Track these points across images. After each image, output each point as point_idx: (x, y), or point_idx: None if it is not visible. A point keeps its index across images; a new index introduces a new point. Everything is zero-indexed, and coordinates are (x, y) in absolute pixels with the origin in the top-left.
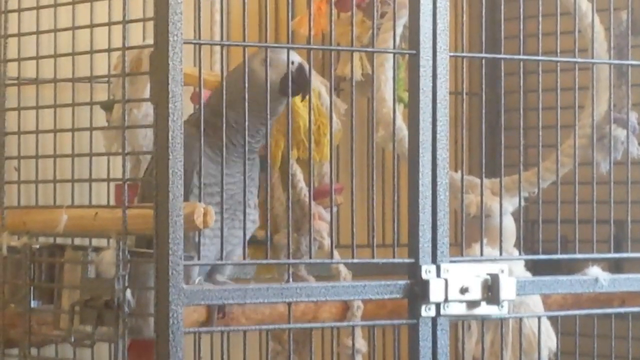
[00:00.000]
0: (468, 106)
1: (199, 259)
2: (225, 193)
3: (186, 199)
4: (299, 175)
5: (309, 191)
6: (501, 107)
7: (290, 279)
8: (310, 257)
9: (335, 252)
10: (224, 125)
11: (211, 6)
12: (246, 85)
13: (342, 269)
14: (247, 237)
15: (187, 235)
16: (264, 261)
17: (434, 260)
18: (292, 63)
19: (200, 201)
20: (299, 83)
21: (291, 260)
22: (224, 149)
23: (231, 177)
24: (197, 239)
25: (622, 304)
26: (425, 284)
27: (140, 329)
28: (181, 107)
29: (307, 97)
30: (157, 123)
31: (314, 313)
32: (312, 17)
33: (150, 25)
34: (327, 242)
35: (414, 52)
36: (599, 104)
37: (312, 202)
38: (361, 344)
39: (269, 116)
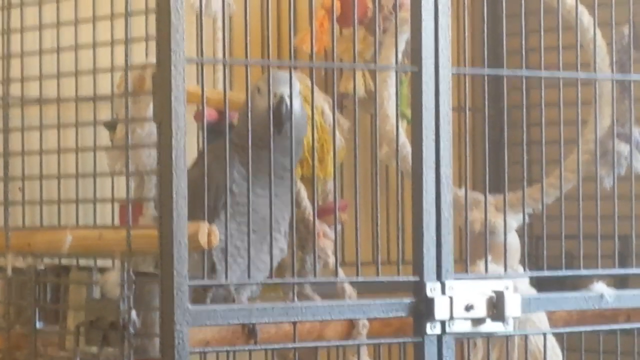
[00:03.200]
0: (471, 122)
1: (226, 278)
2: (255, 214)
3: (216, 216)
4: (303, 193)
5: (313, 209)
6: (504, 123)
7: (296, 298)
8: (315, 275)
9: (340, 271)
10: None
11: (213, 24)
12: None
13: (347, 287)
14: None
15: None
16: (269, 280)
17: (439, 277)
18: (274, 95)
19: (227, 220)
20: (276, 117)
21: (296, 280)
22: (250, 165)
23: (264, 197)
24: (221, 259)
25: (627, 320)
26: (430, 302)
27: (145, 349)
28: (184, 125)
29: (311, 115)
30: (160, 142)
31: (320, 332)
32: (314, 33)
33: (152, 44)
34: (332, 260)
35: (416, 68)
36: (602, 119)
37: (317, 220)
38: None
39: (272, 146)
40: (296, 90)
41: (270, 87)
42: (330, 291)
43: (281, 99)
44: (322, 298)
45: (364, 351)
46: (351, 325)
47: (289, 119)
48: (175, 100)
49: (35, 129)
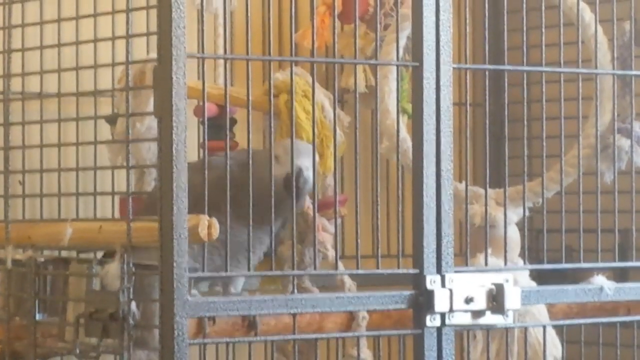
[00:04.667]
0: (472, 117)
1: (203, 270)
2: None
3: None
4: None
5: (314, 203)
6: (505, 118)
7: (295, 290)
8: (315, 268)
9: (340, 263)
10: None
11: (214, 20)
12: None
13: (347, 280)
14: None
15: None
16: (269, 273)
17: (439, 270)
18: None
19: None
20: (291, 186)
21: (295, 272)
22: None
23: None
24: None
25: (627, 313)
26: (430, 294)
27: (145, 340)
28: (185, 120)
29: (312, 110)
30: (161, 136)
31: (319, 324)
32: (315, 29)
33: (153, 39)
34: (330, 253)
35: (417, 64)
36: (603, 114)
37: (316, 214)
38: (366, 354)
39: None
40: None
41: (295, 159)
42: (330, 284)
43: (300, 171)
44: (322, 291)
45: (364, 343)
46: (351, 317)
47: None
48: (176, 95)
49: (36, 123)
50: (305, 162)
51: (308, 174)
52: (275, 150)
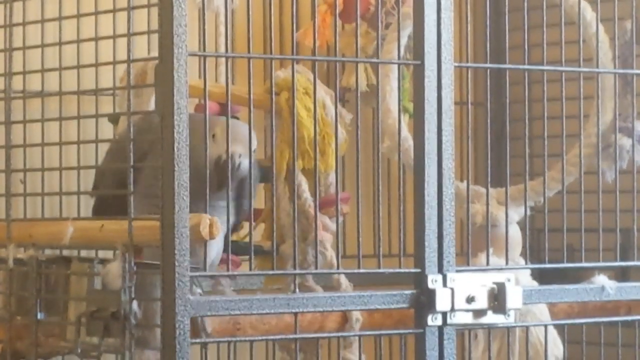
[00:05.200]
0: (473, 116)
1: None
2: None
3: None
4: (304, 186)
5: (315, 201)
6: (506, 117)
7: (297, 290)
8: (317, 267)
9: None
10: None
11: (216, 18)
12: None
13: (343, 280)
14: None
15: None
16: (270, 272)
17: (440, 269)
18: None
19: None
20: (220, 174)
21: (297, 271)
22: None
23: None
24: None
25: (628, 312)
26: (432, 294)
27: (146, 340)
28: (187, 119)
29: (313, 108)
30: (162, 135)
31: (321, 323)
32: (316, 28)
33: (155, 37)
34: (329, 253)
35: (418, 62)
36: (604, 113)
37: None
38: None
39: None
40: (253, 147)
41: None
42: (327, 284)
43: (224, 162)
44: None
45: (356, 346)
46: (345, 319)
47: (234, 179)
48: (178, 94)
49: (37, 121)
50: (239, 149)
51: (242, 161)
52: (214, 129)
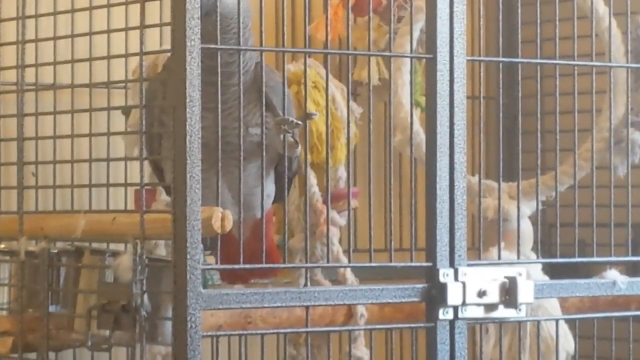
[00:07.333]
0: (485, 110)
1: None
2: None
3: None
4: (312, 180)
5: (327, 196)
6: (518, 111)
7: (308, 283)
8: (328, 261)
9: (343, 257)
10: None
11: None
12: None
13: (349, 275)
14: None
15: None
16: (281, 265)
17: (452, 263)
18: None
19: None
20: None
21: (308, 264)
22: None
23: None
24: None
25: None
26: (443, 288)
27: (157, 332)
28: (199, 111)
29: (323, 102)
30: (174, 127)
31: (332, 317)
32: (329, 21)
33: (167, 30)
34: (336, 247)
35: (431, 56)
36: (616, 108)
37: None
38: (364, 352)
39: None
40: None
41: None
42: (333, 278)
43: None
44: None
45: (361, 341)
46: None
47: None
48: (190, 86)
49: (49, 114)
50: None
51: None
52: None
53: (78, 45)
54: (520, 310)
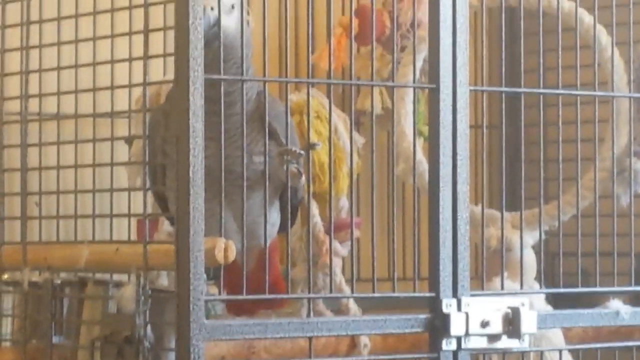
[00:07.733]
0: (488, 139)
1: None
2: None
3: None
4: (315, 210)
5: (330, 226)
6: (521, 140)
7: (312, 314)
8: (331, 291)
9: (346, 287)
10: None
11: None
12: None
13: (352, 305)
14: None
15: None
16: (285, 296)
17: (455, 294)
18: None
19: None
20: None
21: (311, 295)
22: None
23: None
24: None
25: None
26: (446, 318)
27: None
28: (202, 142)
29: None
30: (178, 157)
31: (335, 347)
32: (332, 51)
33: (170, 60)
34: (338, 277)
35: (434, 86)
36: (619, 137)
37: (327, 237)
38: None
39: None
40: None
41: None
42: (335, 308)
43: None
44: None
45: None
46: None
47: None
48: (193, 117)
49: (53, 144)
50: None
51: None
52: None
53: (82, 75)
54: (523, 340)
